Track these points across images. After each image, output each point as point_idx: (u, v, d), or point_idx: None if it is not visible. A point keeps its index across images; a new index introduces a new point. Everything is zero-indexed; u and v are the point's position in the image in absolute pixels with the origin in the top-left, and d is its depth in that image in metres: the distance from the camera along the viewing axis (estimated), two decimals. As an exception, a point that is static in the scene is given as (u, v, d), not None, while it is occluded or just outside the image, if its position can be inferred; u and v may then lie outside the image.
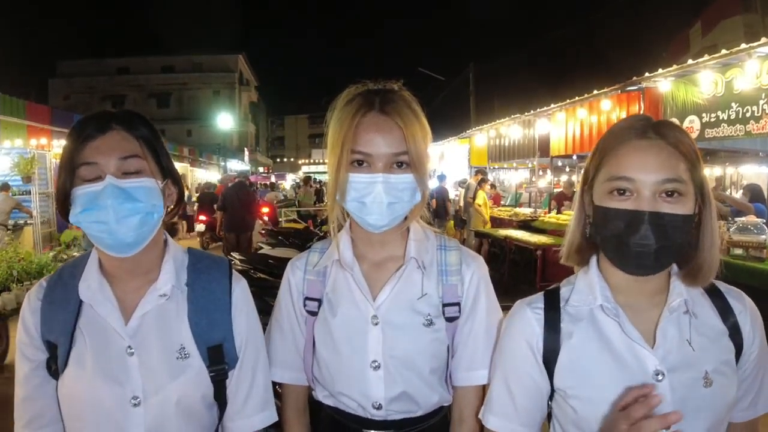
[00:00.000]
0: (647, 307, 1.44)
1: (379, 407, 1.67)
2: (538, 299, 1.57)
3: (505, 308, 1.86)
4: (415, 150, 1.60)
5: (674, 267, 1.45)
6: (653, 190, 1.31)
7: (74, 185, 1.46)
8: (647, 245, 1.31)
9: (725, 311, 1.47)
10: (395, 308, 1.69)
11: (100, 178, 1.44)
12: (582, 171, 1.57)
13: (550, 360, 1.49)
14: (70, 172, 1.46)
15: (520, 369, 1.53)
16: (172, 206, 1.61)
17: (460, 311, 1.73)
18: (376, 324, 1.67)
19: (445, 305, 1.71)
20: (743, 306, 1.49)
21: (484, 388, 1.73)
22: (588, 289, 1.48)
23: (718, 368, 1.39)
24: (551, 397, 1.52)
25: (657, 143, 1.35)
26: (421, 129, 1.64)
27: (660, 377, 1.35)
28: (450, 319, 1.72)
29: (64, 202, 1.49)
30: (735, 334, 1.45)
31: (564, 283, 1.58)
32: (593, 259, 1.51)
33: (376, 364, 1.66)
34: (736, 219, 7.52)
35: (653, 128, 1.38)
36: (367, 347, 1.67)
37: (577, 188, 1.56)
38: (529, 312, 1.54)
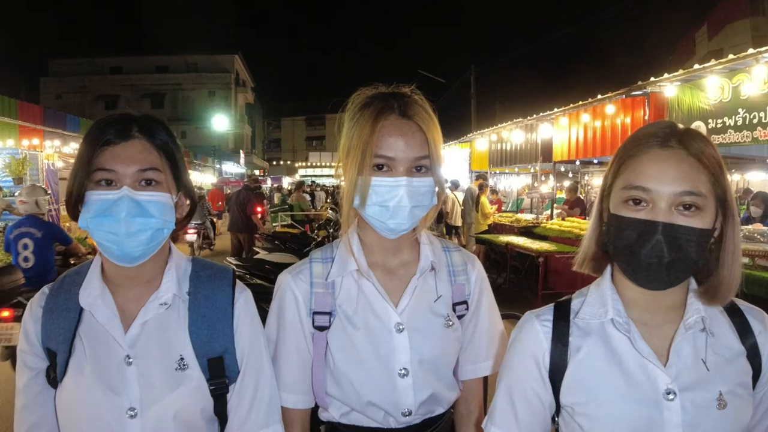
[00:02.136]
0: (661, 323, 1.40)
1: (409, 413, 1.69)
2: (547, 311, 1.54)
3: (506, 317, 1.89)
4: (436, 153, 1.63)
5: (693, 283, 1.41)
6: (670, 202, 1.27)
7: (88, 188, 1.46)
8: (659, 258, 1.27)
9: (744, 331, 1.42)
10: (417, 313, 1.71)
11: (115, 184, 1.45)
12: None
13: (556, 375, 1.46)
14: (87, 174, 1.45)
15: (525, 383, 1.51)
16: (181, 218, 1.61)
17: (467, 309, 1.80)
18: (401, 331, 1.68)
19: (455, 304, 1.78)
20: (763, 325, 1.44)
21: (487, 379, 1.77)
22: (599, 302, 1.45)
23: (733, 390, 1.35)
24: (558, 413, 1.50)
25: (677, 153, 1.30)
26: (438, 132, 1.67)
27: (671, 396, 1.32)
28: (458, 317, 1.78)
29: (76, 203, 1.49)
30: (753, 356, 1.40)
31: (576, 295, 1.54)
32: (607, 271, 1.48)
33: (404, 371, 1.67)
34: (743, 227, 7.54)
35: (676, 136, 1.33)
36: (394, 355, 1.68)
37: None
38: (537, 325, 1.51)
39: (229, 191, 28.00)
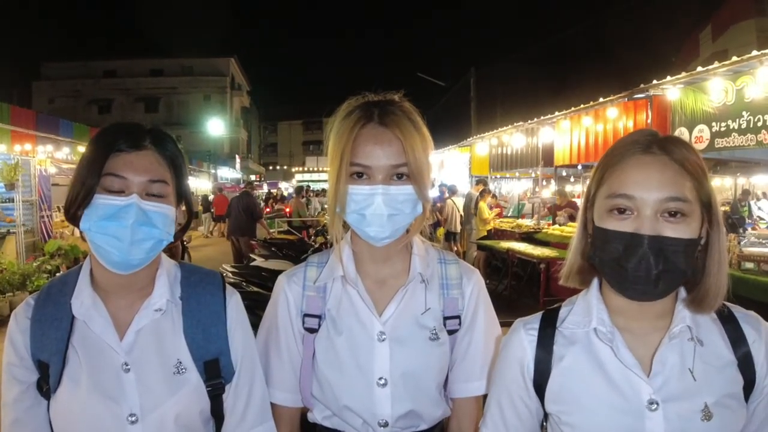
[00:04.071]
0: (649, 332, 1.40)
1: (385, 425, 1.71)
2: (534, 319, 1.55)
3: (507, 324, 1.89)
4: (415, 161, 1.63)
5: (682, 291, 1.41)
6: (655, 209, 1.27)
7: (96, 192, 1.48)
8: (647, 270, 1.26)
9: (737, 340, 1.41)
10: (401, 324, 1.72)
11: (123, 191, 1.49)
12: (585, 181, 1.53)
13: (541, 383, 1.47)
14: (96, 179, 1.48)
15: (511, 391, 1.53)
16: (178, 231, 1.65)
17: (460, 324, 1.80)
18: (383, 340, 1.70)
19: (446, 318, 1.78)
20: (758, 334, 1.42)
21: (485, 398, 1.78)
22: (585, 311, 1.46)
23: (721, 401, 1.34)
24: (546, 419, 1.52)
25: (661, 159, 1.31)
26: (422, 140, 1.67)
27: (654, 407, 1.33)
28: (450, 332, 1.78)
29: (79, 206, 1.50)
30: (746, 366, 1.39)
31: (566, 303, 1.56)
32: (595, 281, 1.49)
33: (383, 381, 1.69)
34: (749, 232, 7.55)
35: (658, 143, 1.33)
36: (374, 364, 1.70)
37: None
38: (523, 333, 1.53)
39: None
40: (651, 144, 1.34)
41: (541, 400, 1.49)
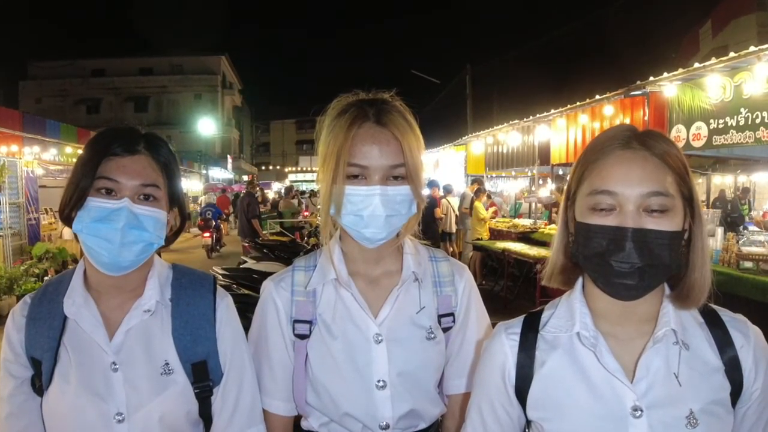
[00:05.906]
0: (633, 337, 1.39)
1: (387, 427, 1.71)
2: (516, 323, 1.54)
3: (499, 325, 1.91)
4: (412, 162, 1.65)
5: (666, 289, 1.41)
6: (637, 204, 1.27)
7: (89, 194, 1.53)
8: (631, 265, 1.26)
9: (724, 344, 1.39)
10: (397, 324, 1.73)
11: (115, 195, 1.54)
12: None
13: (522, 389, 1.46)
14: (90, 181, 1.53)
15: (492, 397, 1.52)
16: (170, 235, 1.70)
17: (454, 321, 1.81)
18: (380, 342, 1.70)
19: (440, 316, 1.79)
20: (746, 339, 1.40)
21: None
22: (568, 314, 1.45)
23: (707, 408, 1.33)
24: (528, 426, 1.51)
25: (641, 154, 1.31)
26: (416, 140, 1.68)
27: (638, 413, 1.31)
28: (444, 330, 1.80)
29: (72, 208, 1.55)
30: (733, 371, 1.38)
31: (549, 306, 1.54)
32: (578, 282, 1.48)
33: (382, 383, 1.70)
34: (748, 230, 7.56)
35: (638, 138, 1.34)
36: (372, 367, 1.70)
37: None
38: (504, 337, 1.52)
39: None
40: (630, 139, 1.35)
41: (522, 407, 1.48)
